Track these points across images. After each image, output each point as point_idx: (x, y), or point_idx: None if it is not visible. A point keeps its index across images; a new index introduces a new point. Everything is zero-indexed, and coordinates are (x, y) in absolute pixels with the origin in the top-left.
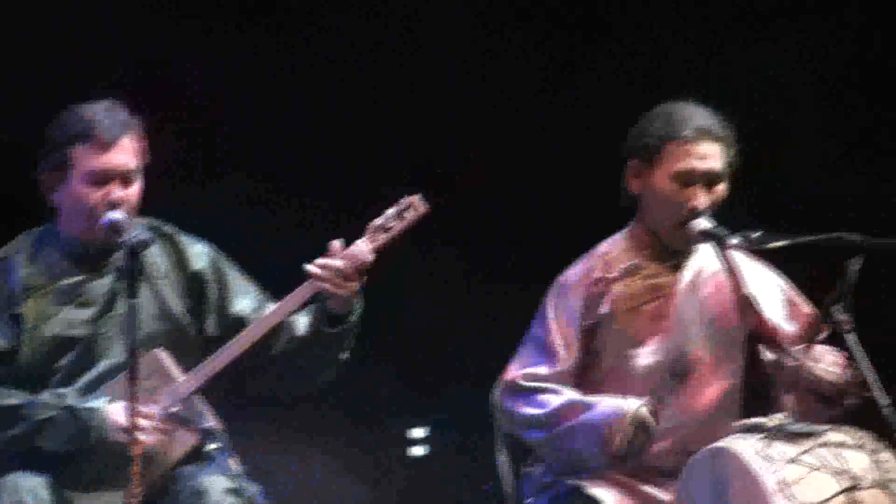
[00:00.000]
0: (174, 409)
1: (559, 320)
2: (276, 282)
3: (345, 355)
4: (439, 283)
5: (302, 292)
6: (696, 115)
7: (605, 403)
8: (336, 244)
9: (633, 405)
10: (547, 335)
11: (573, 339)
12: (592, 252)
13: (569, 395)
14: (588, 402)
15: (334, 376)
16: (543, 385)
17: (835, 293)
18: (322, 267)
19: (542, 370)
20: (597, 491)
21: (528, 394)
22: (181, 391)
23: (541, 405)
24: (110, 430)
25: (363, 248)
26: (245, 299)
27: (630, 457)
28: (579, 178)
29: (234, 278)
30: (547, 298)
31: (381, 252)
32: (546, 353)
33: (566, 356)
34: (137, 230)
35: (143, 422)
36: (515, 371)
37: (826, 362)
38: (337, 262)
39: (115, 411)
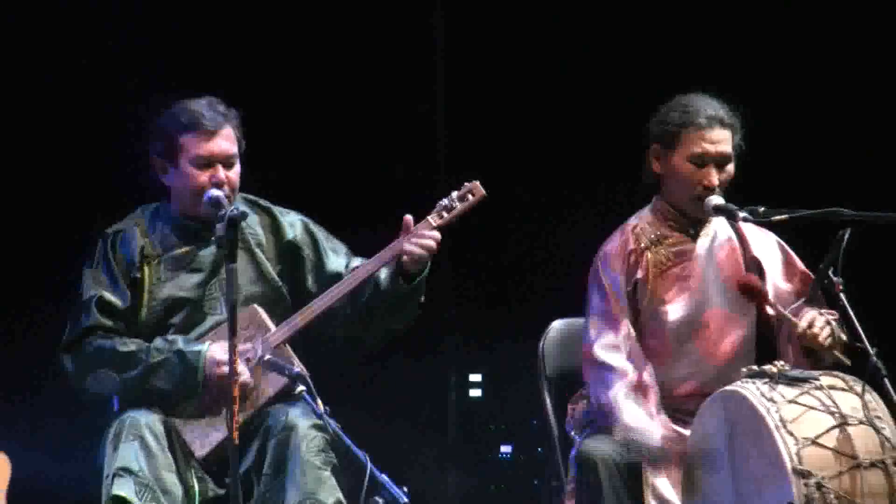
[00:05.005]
0: (267, 356)
1: (612, 289)
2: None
3: (416, 307)
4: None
5: (384, 256)
6: (709, 105)
7: (631, 414)
8: (409, 218)
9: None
10: (608, 304)
11: (624, 304)
12: (624, 226)
13: (624, 389)
14: (622, 410)
15: (406, 325)
16: (615, 356)
17: (828, 259)
18: (415, 243)
19: (612, 338)
20: None
21: (602, 369)
22: (273, 340)
23: (608, 388)
24: (212, 366)
25: (434, 233)
26: (338, 258)
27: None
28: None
29: (326, 240)
30: (598, 269)
31: (442, 228)
32: (610, 321)
33: (626, 320)
34: (236, 204)
35: (240, 364)
36: (592, 342)
37: (815, 322)
38: (426, 241)
39: (216, 350)
